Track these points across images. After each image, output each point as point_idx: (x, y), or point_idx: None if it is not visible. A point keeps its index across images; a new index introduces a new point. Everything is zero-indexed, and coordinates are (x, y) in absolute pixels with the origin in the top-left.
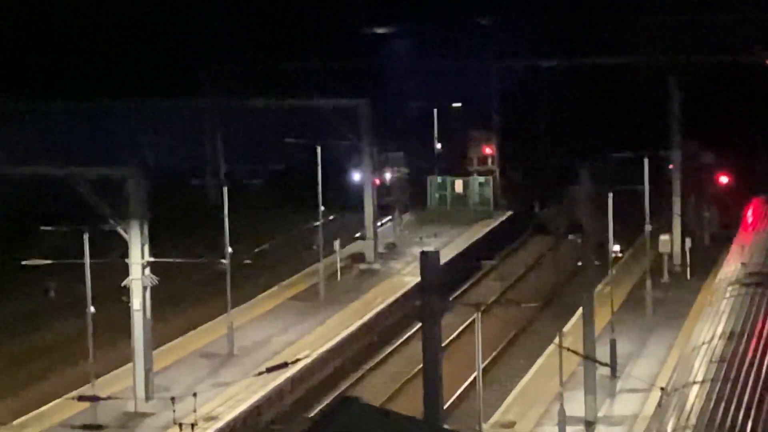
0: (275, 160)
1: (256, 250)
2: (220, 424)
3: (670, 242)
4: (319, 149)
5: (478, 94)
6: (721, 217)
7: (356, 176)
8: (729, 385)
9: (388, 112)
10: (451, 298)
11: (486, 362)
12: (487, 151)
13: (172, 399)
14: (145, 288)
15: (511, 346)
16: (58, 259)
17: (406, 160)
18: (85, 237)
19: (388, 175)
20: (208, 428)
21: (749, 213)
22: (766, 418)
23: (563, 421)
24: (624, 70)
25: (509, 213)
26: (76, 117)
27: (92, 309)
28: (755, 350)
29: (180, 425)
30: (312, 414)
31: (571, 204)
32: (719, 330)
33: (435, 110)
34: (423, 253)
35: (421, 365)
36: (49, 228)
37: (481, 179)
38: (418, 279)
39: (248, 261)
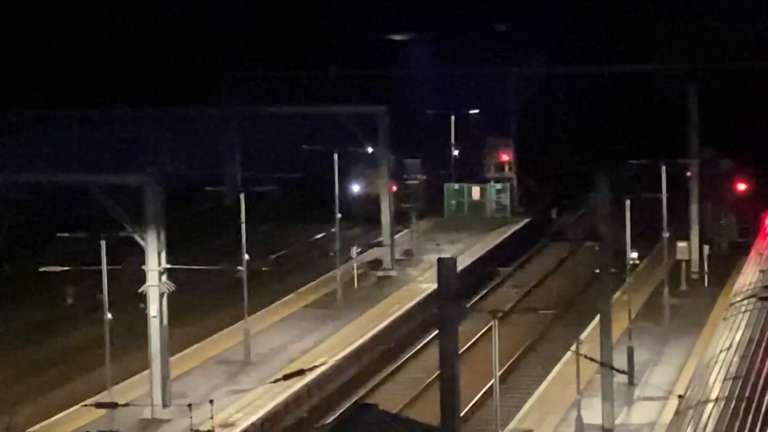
0: (293, 168)
1: (273, 257)
2: (236, 431)
3: (688, 249)
4: (336, 156)
5: (495, 100)
6: (739, 224)
7: (355, 188)
8: (744, 403)
9: (405, 119)
10: (468, 306)
11: (503, 369)
12: (505, 157)
13: (189, 406)
14: (162, 295)
15: (528, 354)
16: (77, 266)
17: (424, 166)
18: (102, 244)
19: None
20: None
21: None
22: None
23: (580, 428)
24: (642, 77)
25: (526, 220)
26: (94, 125)
27: (109, 315)
28: None
29: None
30: (329, 421)
31: (589, 211)
32: (736, 340)
33: (452, 117)
34: (440, 259)
35: (438, 372)
36: (66, 235)
37: (499, 186)
38: (435, 286)
39: (265, 268)
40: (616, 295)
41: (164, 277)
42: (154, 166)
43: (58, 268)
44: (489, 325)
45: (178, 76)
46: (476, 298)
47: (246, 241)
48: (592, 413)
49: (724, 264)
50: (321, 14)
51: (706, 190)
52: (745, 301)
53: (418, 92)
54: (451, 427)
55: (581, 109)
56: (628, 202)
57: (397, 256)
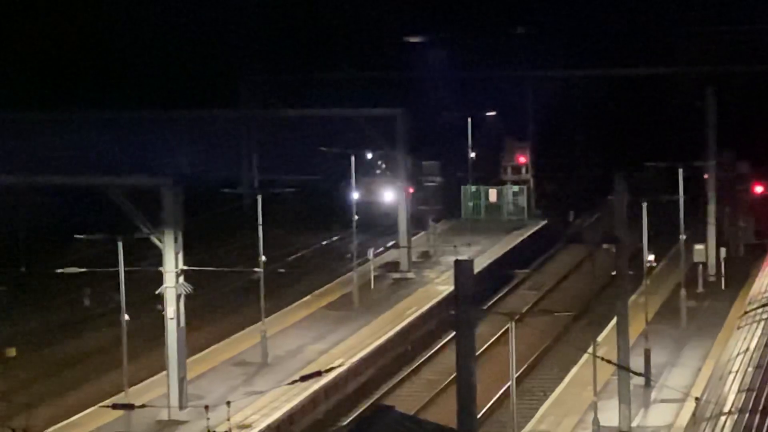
0: (310, 170)
1: (290, 258)
2: None
3: (705, 252)
4: (353, 158)
5: (513, 103)
6: (757, 226)
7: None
8: (758, 416)
9: (423, 121)
10: (485, 308)
11: (519, 372)
12: (522, 160)
13: (206, 407)
14: (179, 296)
15: (545, 356)
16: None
17: (441, 169)
18: (119, 245)
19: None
20: None
21: None
22: None
23: (597, 430)
24: (659, 79)
25: (543, 222)
26: (112, 127)
27: (127, 317)
28: None
29: None
30: (346, 423)
31: (606, 213)
32: (751, 348)
33: (470, 119)
34: (457, 261)
35: (455, 374)
36: (83, 236)
37: (516, 188)
38: (452, 288)
39: (282, 270)
40: (633, 297)
41: (181, 279)
42: (171, 169)
43: (75, 270)
44: (506, 328)
45: (197, 79)
46: (493, 300)
47: (261, 243)
48: (609, 415)
49: (741, 266)
50: (339, 17)
51: (724, 193)
52: (760, 310)
53: (435, 95)
54: (469, 429)
55: (598, 111)
56: (645, 205)
57: (414, 258)
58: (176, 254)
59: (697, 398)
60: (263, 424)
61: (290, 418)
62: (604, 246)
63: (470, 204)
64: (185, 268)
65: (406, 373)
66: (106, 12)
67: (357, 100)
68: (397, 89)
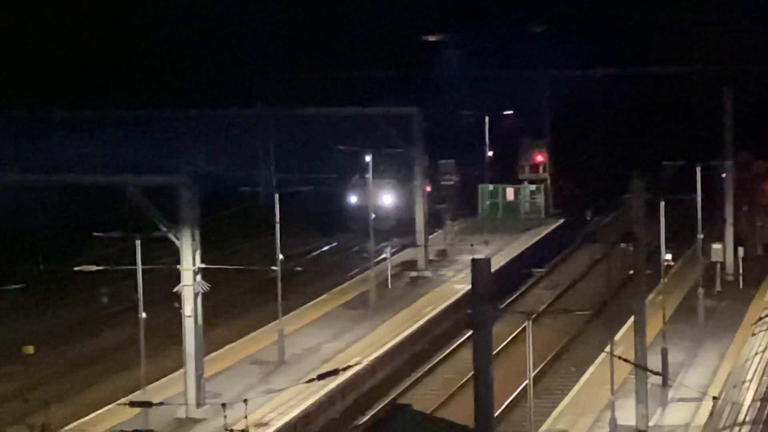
0: (327, 169)
1: (307, 257)
2: (270, 430)
3: (723, 251)
4: (369, 158)
5: (530, 102)
6: None
7: (353, 198)
8: None
9: (440, 120)
10: (502, 306)
11: (537, 370)
12: (539, 158)
13: (223, 405)
14: (196, 294)
15: (562, 355)
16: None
17: (458, 167)
18: (137, 243)
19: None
20: None
21: None
22: None
23: (614, 429)
24: (677, 78)
25: (561, 221)
26: (129, 125)
27: (144, 315)
28: None
29: (231, 431)
30: (363, 422)
31: (623, 212)
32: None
33: (487, 118)
34: (474, 260)
35: (472, 373)
36: (101, 234)
37: (533, 187)
38: (469, 286)
39: (299, 268)
40: (651, 296)
41: (199, 277)
42: (189, 167)
43: (93, 268)
44: (523, 326)
45: (214, 77)
46: (510, 299)
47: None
48: (626, 414)
49: (759, 266)
50: (356, 16)
51: (741, 192)
52: None
53: (452, 94)
54: (486, 428)
55: (616, 110)
56: (662, 204)
57: (431, 257)
58: (193, 252)
59: (714, 397)
60: (280, 423)
61: (307, 417)
62: (622, 245)
63: (487, 203)
64: (202, 266)
65: (422, 372)
66: (123, 11)
67: (373, 99)
68: (414, 88)
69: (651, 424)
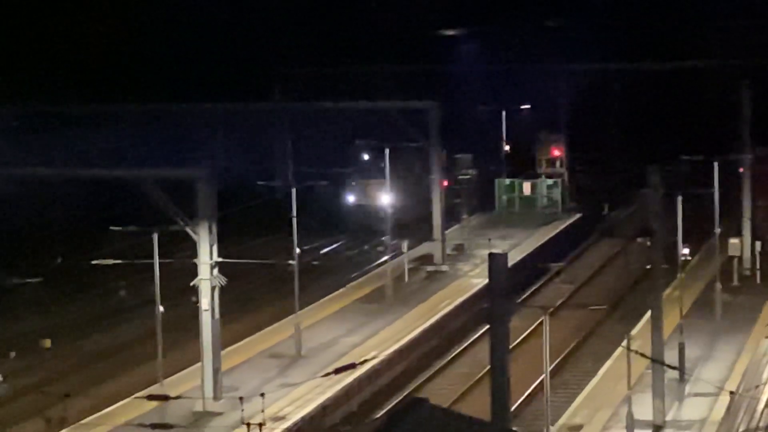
0: (343, 163)
1: (324, 251)
2: (287, 424)
3: (740, 246)
4: (387, 151)
5: (547, 96)
6: None
7: (351, 198)
8: None
9: (457, 114)
10: (519, 301)
11: (553, 365)
12: (556, 153)
13: (241, 399)
14: (213, 288)
15: (579, 349)
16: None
17: (475, 162)
18: (154, 237)
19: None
20: (276, 428)
21: None
22: None
23: (631, 424)
24: (694, 73)
25: (578, 215)
26: (147, 120)
27: (161, 308)
28: None
29: (248, 425)
30: (380, 415)
31: (641, 207)
32: None
33: (504, 112)
34: (491, 254)
35: (489, 367)
36: (118, 228)
37: (550, 181)
38: (486, 281)
39: (316, 262)
40: (668, 290)
41: (216, 270)
42: (206, 161)
43: (111, 261)
44: (539, 321)
45: (232, 72)
46: (527, 293)
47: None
48: (643, 409)
49: None
50: (373, 10)
51: (759, 187)
52: None
53: (469, 88)
54: (502, 422)
55: (633, 104)
56: (679, 198)
57: (448, 251)
58: (211, 246)
59: (731, 392)
60: (297, 416)
61: (324, 410)
62: (639, 239)
63: (504, 197)
64: (220, 259)
65: (439, 366)
66: (142, 5)
67: (390, 93)
68: (431, 82)
69: (668, 418)
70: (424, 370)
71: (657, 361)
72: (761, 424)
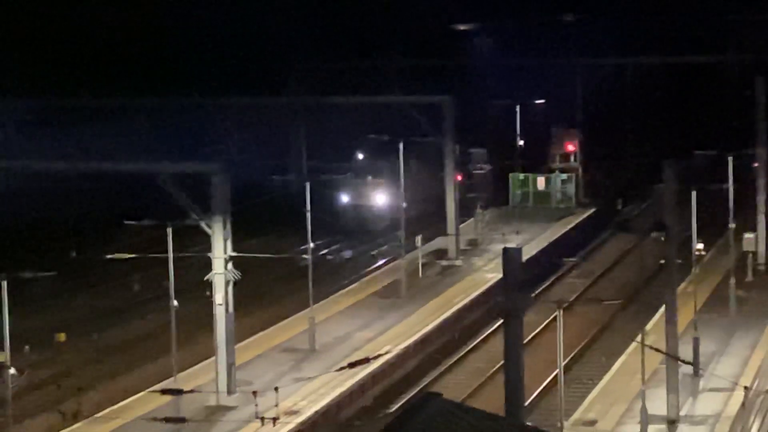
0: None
1: (336, 246)
2: (301, 418)
3: (755, 241)
4: (401, 146)
5: (561, 91)
6: None
7: (344, 198)
8: None
9: (471, 108)
10: (533, 295)
11: (567, 360)
12: (570, 147)
13: (254, 393)
14: (227, 282)
15: (593, 344)
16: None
17: (489, 156)
18: (169, 231)
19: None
20: (289, 423)
21: None
22: None
23: (645, 419)
24: (710, 68)
25: (592, 210)
26: (161, 114)
27: (175, 303)
28: None
29: (262, 419)
30: (393, 410)
31: (655, 202)
32: None
33: (518, 107)
34: (505, 249)
35: (503, 362)
36: (133, 223)
37: (564, 176)
38: (500, 275)
39: (330, 257)
40: (682, 285)
41: (230, 265)
42: (221, 155)
43: (125, 256)
44: (554, 316)
45: (246, 66)
46: (541, 288)
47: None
48: (657, 404)
49: None
50: (387, 4)
51: None
52: None
53: (483, 82)
54: (516, 417)
55: (647, 99)
56: (694, 193)
57: (462, 246)
58: (225, 241)
59: (746, 387)
60: (311, 410)
61: (338, 405)
62: (653, 234)
63: (518, 192)
64: (234, 254)
65: (453, 361)
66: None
67: (404, 88)
68: (445, 77)
69: (682, 413)
70: (438, 365)
71: (671, 356)
72: None
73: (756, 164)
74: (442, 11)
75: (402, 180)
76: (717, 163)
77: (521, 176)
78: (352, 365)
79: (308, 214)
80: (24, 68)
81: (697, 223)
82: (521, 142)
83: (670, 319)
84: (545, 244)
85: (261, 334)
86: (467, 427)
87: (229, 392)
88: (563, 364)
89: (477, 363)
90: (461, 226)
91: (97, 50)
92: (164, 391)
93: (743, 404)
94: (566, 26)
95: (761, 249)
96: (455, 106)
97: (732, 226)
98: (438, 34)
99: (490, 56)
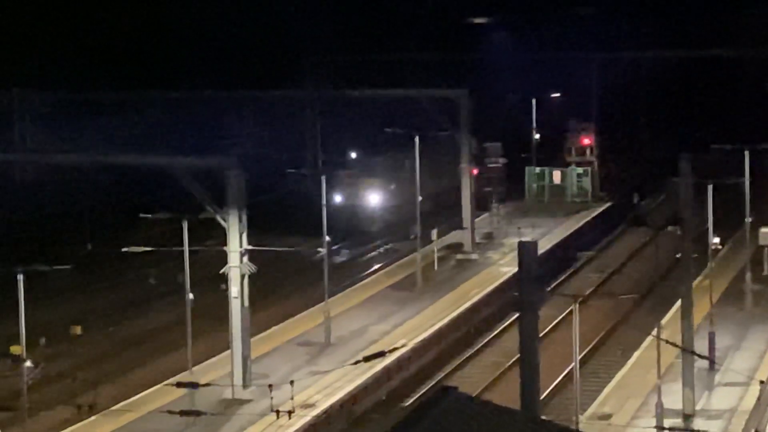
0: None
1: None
2: (316, 411)
3: None
4: (417, 139)
5: (577, 84)
6: None
7: (338, 198)
8: None
9: (487, 102)
10: (548, 289)
11: (583, 353)
12: (586, 141)
13: (270, 386)
14: (243, 276)
15: (609, 338)
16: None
17: (505, 150)
18: (184, 225)
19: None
20: (305, 416)
21: None
22: None
23: (661, 413)
24: (726, 62)
25: (608, 204)
26: (177, 107)
27: (191, 296)
28: None
29: (277, 412)
30: (409, 403)
31: (671, 196)
32: None
33: (534, 101)
34: (521, 243)
35: (518, 356)
36: (148, 216)
37: (580, 170)
38: (516, 269)
39: (346, 250)
40: (698, 280)
41: (245, 258)
42: (236, 149)
43: (141, 249)
44: (569, 309)
45: (262, 60)
46: (557, 282)
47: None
48: (673, 398)
49: None
50: None
51: None
52: None
53: (499, 76)
54: (531, 411)
55: (664, 93)
56: (710, 187)
57: (477, 240)
58: (240, 234)
59: (762, 381)
60: (327, 404)
61: (353, 398)
62: (669, 228)
63: (534, 186)
64: (249, 247)
65: (469, 354)
66: None
67: (420, 81)
68: (461, 70)
69: (698, 408)
70: (453, 359)
71: (687, 350)
72: None
73: None
74: (459, 4)
75: (417, 175)
76: (735, 156)
77: (537, 170)
78: (367, 359)
79: (323, 209)
80: (41, 61)
81: (714, 217)
82: (537, 136)
83: (686, 314)
84: (561, 238)
85: (276, 327)
86: (482, 421)
87: (245, 385)
88: (579, 358)
89: (492, 357)
90: (477, 219)
91: (114, 43)
92: (180, 385)
93: (759, 398)
94: (583, 20)
95: None
96: (471, 99)
97: (748, 220)
98: (454, 28)
99: (506, 50)
